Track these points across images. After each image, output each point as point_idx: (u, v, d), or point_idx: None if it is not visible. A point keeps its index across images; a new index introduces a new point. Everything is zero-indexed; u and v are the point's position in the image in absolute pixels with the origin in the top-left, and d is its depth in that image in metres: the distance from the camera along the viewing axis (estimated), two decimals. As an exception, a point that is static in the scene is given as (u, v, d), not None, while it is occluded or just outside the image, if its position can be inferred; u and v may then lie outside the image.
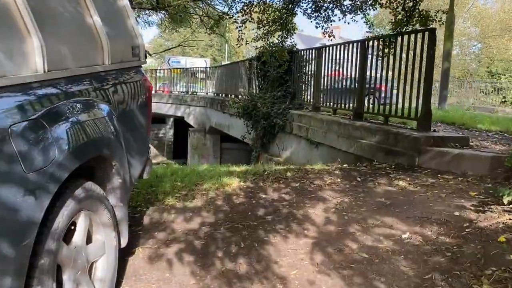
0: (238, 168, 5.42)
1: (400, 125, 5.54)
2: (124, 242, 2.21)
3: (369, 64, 5.94)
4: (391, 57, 5.48)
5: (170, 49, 21.16)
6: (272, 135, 8.65)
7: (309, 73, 8.12)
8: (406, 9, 5.41)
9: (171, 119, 22.71)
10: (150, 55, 14.91)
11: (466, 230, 2.70)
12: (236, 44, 6.71)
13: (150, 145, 3.13)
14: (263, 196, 3.80)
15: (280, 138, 8.40)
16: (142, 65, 2.90)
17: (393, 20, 5.47)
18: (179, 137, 21.90)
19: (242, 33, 6.44)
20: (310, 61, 7.93)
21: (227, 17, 6.70)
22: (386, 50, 5.47)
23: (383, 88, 5.94)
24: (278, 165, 7.91)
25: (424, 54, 4.80)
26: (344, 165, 5.06)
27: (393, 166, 4.68)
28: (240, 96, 12.06)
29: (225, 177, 4.44)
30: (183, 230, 3.03)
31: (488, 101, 18.15)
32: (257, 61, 10.09)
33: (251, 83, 11.17)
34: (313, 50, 7.67)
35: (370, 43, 5.90)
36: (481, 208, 3.03)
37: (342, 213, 3.24)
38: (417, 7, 5.36)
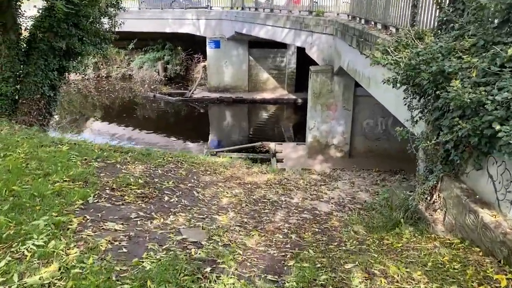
0: None
1: None
2: None
3: None
4: None
5: None
6: (479, 152, 3.64)
7: None
8: None
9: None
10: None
11: None
12: None
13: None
14: None
15: (506, 168, 3.38)
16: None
17: None
18: (303, 67, 17.12)
19: None
20: None
21: None
22: None
23: None
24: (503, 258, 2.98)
25: None
26: None
27: None
28: (393, 31, 6.72)
29: None
30: None
31: None
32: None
33: (422, 9, 5.75)
34: None
35: None
36: None
37: None
38: None
